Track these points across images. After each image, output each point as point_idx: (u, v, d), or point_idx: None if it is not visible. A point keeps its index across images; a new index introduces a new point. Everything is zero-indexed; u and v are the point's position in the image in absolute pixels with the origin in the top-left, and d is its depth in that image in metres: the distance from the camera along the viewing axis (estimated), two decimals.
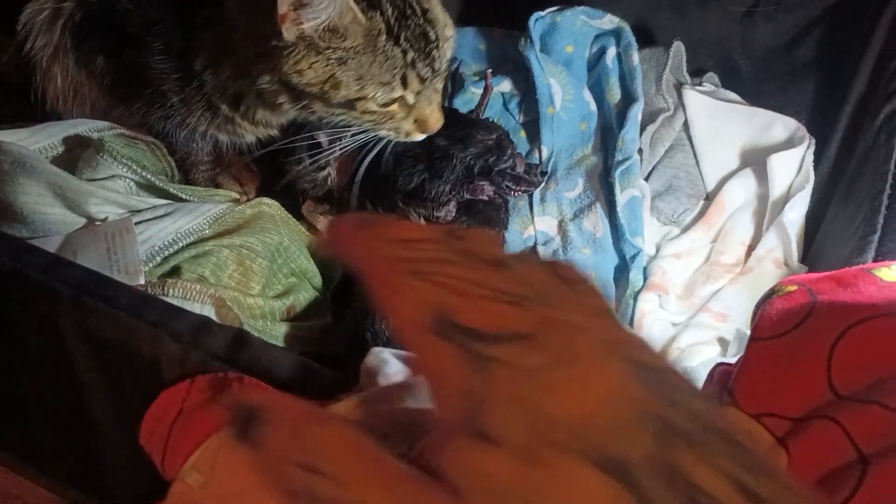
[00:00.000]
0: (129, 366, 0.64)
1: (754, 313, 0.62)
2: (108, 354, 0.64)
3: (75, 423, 0.71)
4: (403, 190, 1.02)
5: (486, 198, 1.04)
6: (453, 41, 0.90)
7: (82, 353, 0.65)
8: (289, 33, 0.78)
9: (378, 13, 0.81)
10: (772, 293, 0.61)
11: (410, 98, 0.87)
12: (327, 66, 0.82)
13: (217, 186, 1.08)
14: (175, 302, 0.83)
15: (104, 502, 0.72)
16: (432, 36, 0.85)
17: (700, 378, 0.88)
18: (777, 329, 0.56)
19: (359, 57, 0.82)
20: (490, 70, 1.19)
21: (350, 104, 0.85)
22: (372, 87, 0.83)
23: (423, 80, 0.86)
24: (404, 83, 0.85)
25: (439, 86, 0.91)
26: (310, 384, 0.59)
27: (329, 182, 1.10)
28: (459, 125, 1.05)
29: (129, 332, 0.62)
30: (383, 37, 0.82)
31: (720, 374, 0.65)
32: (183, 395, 0.51)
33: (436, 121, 0.91)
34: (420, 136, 0.92)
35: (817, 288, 0.59)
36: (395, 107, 0.88)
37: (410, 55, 0.84)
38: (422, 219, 1.03)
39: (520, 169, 1.09)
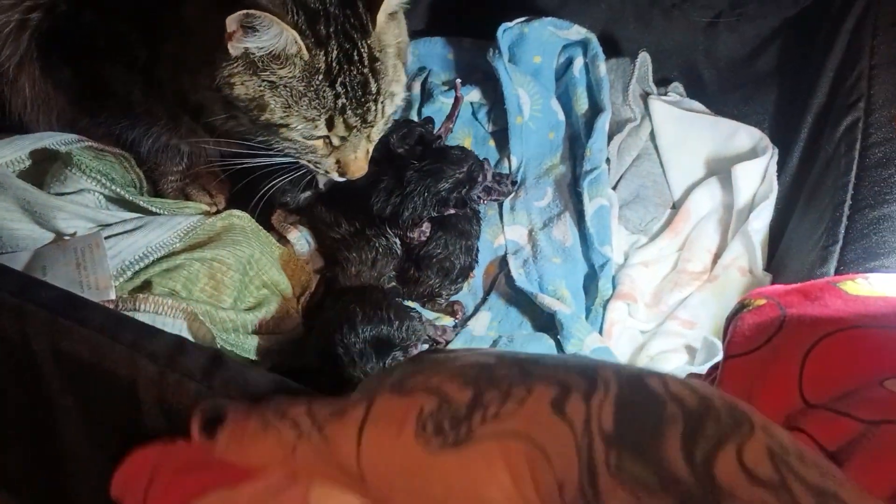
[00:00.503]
0: (103, 388, 0.63)
1: (725, 328, 0.63)
2: (83, 377, 0.63)
3: (45, 447, 0.70)
4: (378, 214, 1.03)
5: (454, 211, 1.05)
6: (400, 98, 0.90)
7: (55, 376, 0.64)
8: (234, 50, 0.80)
9: (323, 52, 0.82)
10: (742, 307, 0.63)
11: (335, 140, 0.87)
12: (259, 87, 0.82)
13: (186, 197, 1.08)
14: (146, 317, 0.83)
15: None
16: (373, 88, 0.85)
17: None
18: (750, 344, 0.58)
19: (291, 88, 0.82)
20: (459, 80, 1.20)
21: (273, 128, 0.86)
22: (296, 119, 0.84)
23: (349, 128, 0.86)
24: (330, 125, 0.85)
25: (375, 136, 0.91)
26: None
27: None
28: (429, 157, 1.06)
29: (104, 353, 0.61)
30: (320, 76, 0.82)
31: None
32: (154, 459, 0.51)
33: (357, 169, 0.91)
34: (339, 178, 0.92)
35: (785, 301, 0.61)
36: (318, 143, 0.88)
37: (342, 101, 0.83)
38: (397, 238, 1.03)
39: (489, 178, 1.10)
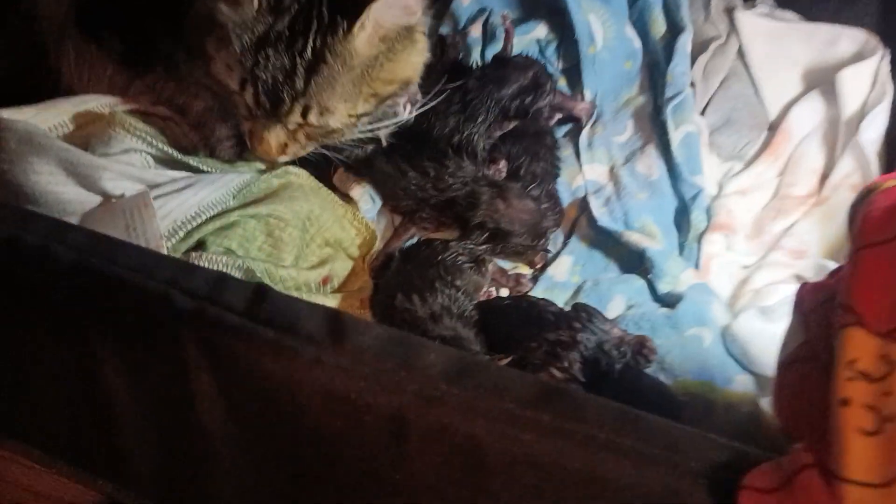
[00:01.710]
0: (143, 333, 0.58)
1: (851, 216, 0.55)
2: (122, 323, 0.58)
3: (94, 405, 0.65)
4: (440, 138, 0.95)
5: (515, 123, 0.98)
6: (339, 122, 0.84)
7: (93, 327, 0.60)
8: None
9: (272, 19, 0.78)
10: (869, 192, 0.54)
11: (244, 107, 0.83)
12: (209, 15, 0.80)
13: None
14: None
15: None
16: (298, 83, 0.79)
17: (780, 313, 0.80)
18: (887, 230, 0.49)
19: (225, 30, 0.79)
20: (506, 13, 1.13)
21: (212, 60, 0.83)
22: (221, 61, 0.82)
23: (258, 103, 0.81)
24: (242, 86, 0.81)
25: (302, 139, 0.85)
26: (340, 334, 0.52)
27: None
28: (492, 64, 1.00)
29: (139, 293, 0.56)
30: (253, 37, 0.78)
31: (810, 290, 0.58)
32: None
33: (262, 151, 0.86)
34: (253, 152, 0.87)
35: None
36: (240, 100, 0.83)
37: (258, 72, 0.79)
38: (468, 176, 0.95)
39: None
